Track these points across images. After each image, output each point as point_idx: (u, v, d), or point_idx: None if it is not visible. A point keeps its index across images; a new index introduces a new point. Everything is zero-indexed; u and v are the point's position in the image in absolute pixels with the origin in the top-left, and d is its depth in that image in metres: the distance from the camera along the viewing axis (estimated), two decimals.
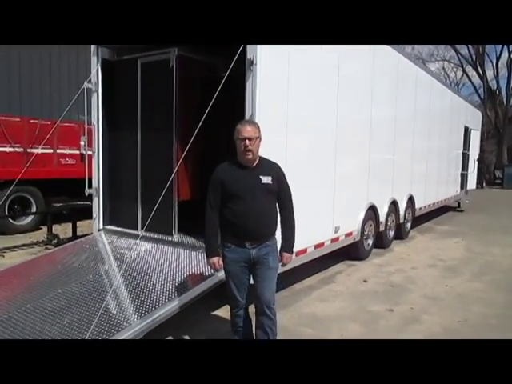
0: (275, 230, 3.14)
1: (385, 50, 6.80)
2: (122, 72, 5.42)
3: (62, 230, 7.65)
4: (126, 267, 4.35)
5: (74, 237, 6.70)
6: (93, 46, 5.36)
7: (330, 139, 5.44)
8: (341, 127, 5.54)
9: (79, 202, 7.60)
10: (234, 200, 2.96)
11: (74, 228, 6.96)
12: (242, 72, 4.02)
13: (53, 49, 10.70)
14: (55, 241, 6.77)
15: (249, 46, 3.98)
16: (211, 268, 3.17)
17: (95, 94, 5.39)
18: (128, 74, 5.29)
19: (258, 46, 3.97)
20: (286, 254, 3.17)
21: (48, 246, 6.77)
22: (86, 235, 6.06)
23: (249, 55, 3.99)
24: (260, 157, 3.08)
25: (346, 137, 5.73)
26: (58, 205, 7.99)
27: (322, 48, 5.06)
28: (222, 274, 3.49)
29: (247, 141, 2.92)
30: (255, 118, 3.98)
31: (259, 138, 3.03)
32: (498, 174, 26.42)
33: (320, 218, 5.32)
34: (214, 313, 4.28)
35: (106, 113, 5.47)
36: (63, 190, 8.22)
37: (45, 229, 7.42)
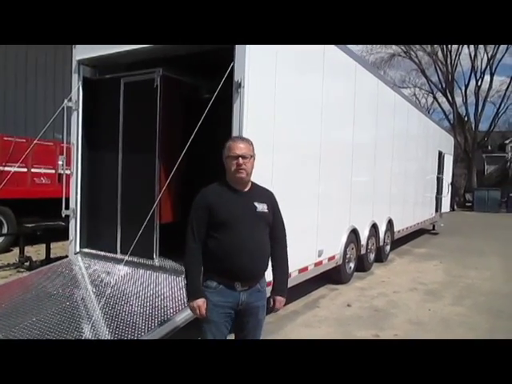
0: (267, 269, 2.65)
1: (365, 75, 6.94)
2: (103, 91, 5.31)
3: (35, 251, 7.34)
4: (104, 293, 4.16)
5: (48, 259, 6.42)
6: (74, 64, 5.25)
7: (314, 161, 5.44)
8: (324, 150, 5.56)
9: (52, 223, 7.34)
10: (222, 229, 2.47)
11: (48, 250, 6.68)
12: (225, 92, 3.98)
13: (30, 64, 10.53)
14: (27, 263, 6.46)
15: (236, 69, 3.96)
16: (194, 313, 2.57)
17: (75, 113, 5.25)
18: (110, 93, 5.18)
19: (246, 68, 3.95)
20: (279, 299, 2.66)
21: (20, 269, 6.46)
22: (61, 258, 5.84)
23: (236, 78, 3.97)
24: (252, 182, 2.67)
25: (330, 159, 5.74)
26: (30, 225, 7.68)
27: (307, 70, 5.12)
28: None
29: (240, 159, 2.50)
30: None
31: (253, 157, 2.61)
32: (468, 197, 27.17)
33: (304, 241, 5.27)
34: None
35: (86, 132, 5.33)
36: (36, 210, 7.93)
37: (16, 250, 7.10)
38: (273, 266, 2.69)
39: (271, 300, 2.67)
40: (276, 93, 4.48)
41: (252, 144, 2.66)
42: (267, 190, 2.74)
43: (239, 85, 3.95)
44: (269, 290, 2.72)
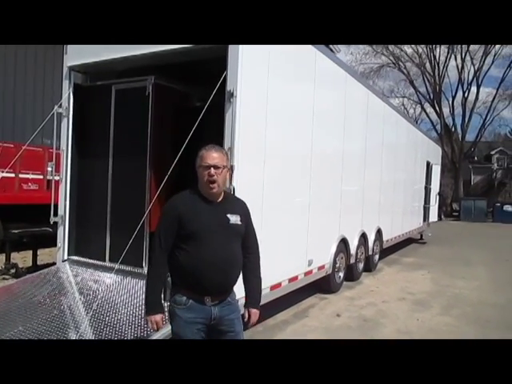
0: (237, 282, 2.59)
1: (355, 86, 7.01)
2: (94, 97, 5.28)
3: (21, 258, 7.23)
4: (92, 302, 4.12)
5: (35, 266, 6.33)
6: (65, 70, 5.22)
7: (305, 170, 5.46)
8: (315, 159, 5.59)
9: (39, 229, 7.24)
10: (192, 241, 2.37)
11: (35, 257, 6.59)
12: (215, 100, 3.97)
13: (19, 68, 10.46)
14: (14, 271, 6.36)
15: (229, 79, 3.97)
16: (151, 327, 2.46)
17: (65, 119, 5.21)
18: (101, 99, 5.16)
19: (239, 78, 3.97)
20: (254, 311, 2.59)
21: (5, 277, 6.35)
22: (48, 265, 5.76)
23: (229, 87, 3.98)
24: (225, 191, 2.60)
25: (320, 168, 5.78)
26: (17, 231, 7.56)
27: (298, 80, 5.17)
28: None
29: (212, 169, 2.39)
30: (234, 149, 3.95)
31: (227, 167, 2.53)
32: (455, 206, 27.49)
33: (294, 250, 5.29)
34: None
35: (76, 138, 5.29)
36: (24, 216, 7.82)
37: (2, 257, 6.97)
38: (245, 278, 2.61)
39: (246, 313, 2.59)
40: (268, 102, 4.50)
41: (226, 154, 2.60)
42: (239, 200, 2.70)
43: (231, 94, 3.95)
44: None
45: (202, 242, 2.37)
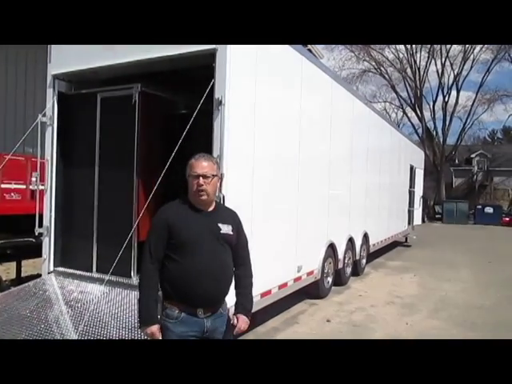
0: (228, 293, 2.54)
1: (341, 92, 7.07)
2: (79, 106, 5.21)
3: (4, 270, 7.06)
4: (80, 315, 4.04)
5: (19, 279, 6.18)
6: (49, 78, 5.14)
7: (293, 176, 5.47)
8: (302, 164, 5.61)
9: (22, 239, 7.07)
10: (184, 252, 2.33)
11: (19, 269, 6.44)
12: (201, 107, 3.94)
13: None
14: None
15: (217, 87, 3.96)
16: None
17: (50, 128, 5.13)
18: (86, 108, 5.10)
19: (227, 86, 3.96)
20: (243, 318, 2.51)
21: None
22: (33, 277, 5.64)
23: (217, 95, 3.97)
24: (216, 201, 2.58)
25: (307, 173, 5.80)
26: None
27: (285, 87, 5.18)
28: None
29: (201, 179, 2.37)
30: (223, 157, 3.94)
31: (217, 176, 2.48)
32: (437, 209, 27.88)
33: (284, 256, 5.28)
34: None
35: (61, 147, 5.20)
36: (6, 227, 7.63)
37: None
38: (237, 286, 2.57)
39: (234, 319, 2.52)
40: (256, 109, 4.50)
41: (217, 163, 2.56)
42: (231, 210, 2.67)
43: (220, 102, 3.94)
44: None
45: (193, 252, 2.33)
